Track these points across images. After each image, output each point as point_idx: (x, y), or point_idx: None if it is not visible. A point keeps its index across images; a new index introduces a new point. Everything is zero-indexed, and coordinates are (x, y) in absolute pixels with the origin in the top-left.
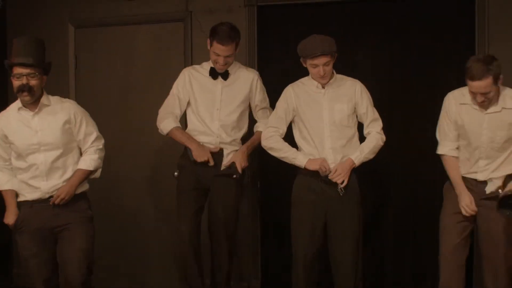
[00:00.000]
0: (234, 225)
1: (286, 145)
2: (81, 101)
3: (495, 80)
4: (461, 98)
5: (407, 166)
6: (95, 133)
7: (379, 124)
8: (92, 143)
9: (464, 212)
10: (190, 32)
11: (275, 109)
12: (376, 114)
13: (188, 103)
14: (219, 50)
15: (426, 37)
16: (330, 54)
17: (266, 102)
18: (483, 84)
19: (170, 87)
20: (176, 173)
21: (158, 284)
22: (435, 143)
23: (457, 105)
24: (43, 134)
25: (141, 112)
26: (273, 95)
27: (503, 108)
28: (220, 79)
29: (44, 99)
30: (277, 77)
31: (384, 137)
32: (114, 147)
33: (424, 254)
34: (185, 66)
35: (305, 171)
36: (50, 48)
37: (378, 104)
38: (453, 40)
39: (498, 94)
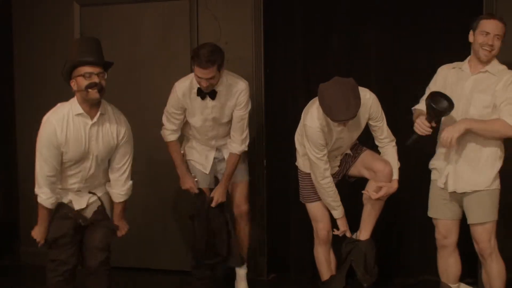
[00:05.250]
0: None
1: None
2: None
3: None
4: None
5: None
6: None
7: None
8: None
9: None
10: (196, 9)
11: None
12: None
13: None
14: (200, 73)
15: (433, 12)
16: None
17: (246, 117)
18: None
19: (176, 66)
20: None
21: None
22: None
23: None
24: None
25: (147, 91)
26: (280, 74)
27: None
28: (208, 98)
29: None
30: (285, 61)
31: None
32: None
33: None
34: (191, 44)
35: None
36: (56, 26)
37: (384, 86)
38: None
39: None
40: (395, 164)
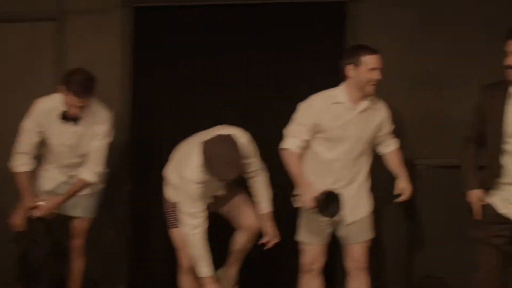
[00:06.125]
0: None
1: None
2: None
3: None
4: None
5: None
6: None
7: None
8: None
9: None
10: (63, 31)
11: None
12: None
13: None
14: (75, 101)
15: (294, 44)
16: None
17: (105, 149)
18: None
19: (40, 88)
20: None
21: None
22: None
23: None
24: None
25: (6, 112)
26: (152, 103)
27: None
28: (70, 123)
29: None
30: (154, 85)
31: None
32: None
33: None
34: (58, 66)
35: None
36: None
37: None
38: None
39: None
40: (268, 195)
